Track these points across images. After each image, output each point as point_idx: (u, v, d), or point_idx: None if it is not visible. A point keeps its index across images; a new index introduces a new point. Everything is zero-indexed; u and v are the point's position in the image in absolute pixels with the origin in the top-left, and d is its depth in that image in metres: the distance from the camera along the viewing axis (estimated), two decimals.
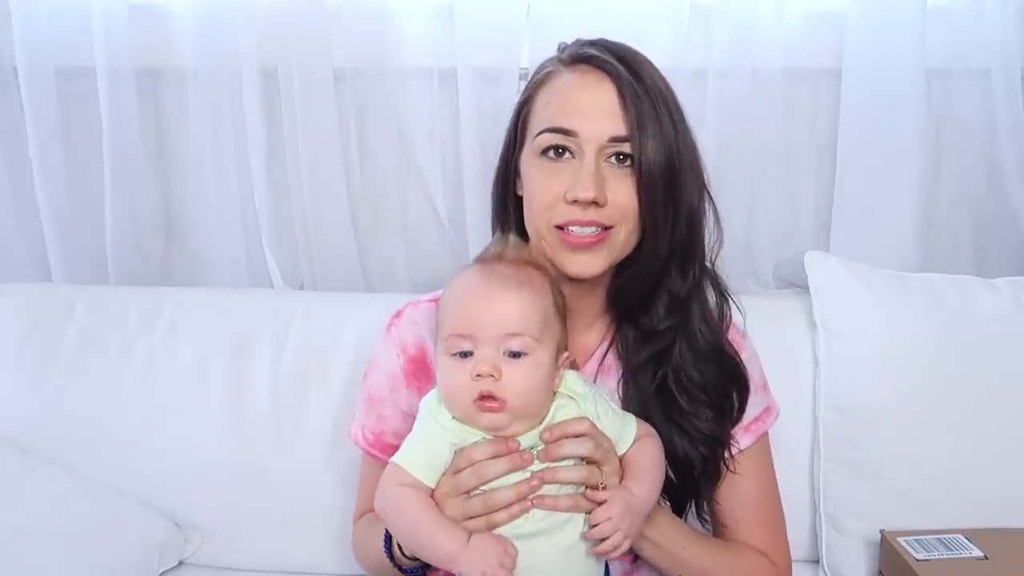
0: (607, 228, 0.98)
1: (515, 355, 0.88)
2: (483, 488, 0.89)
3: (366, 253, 1.61)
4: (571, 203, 0.97)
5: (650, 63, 1.02)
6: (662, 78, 1.01)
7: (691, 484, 1.05)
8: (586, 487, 0.91)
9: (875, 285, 1.33)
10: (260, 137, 1.53)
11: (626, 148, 0.97)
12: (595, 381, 1.05)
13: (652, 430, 0.99)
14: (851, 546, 1.29)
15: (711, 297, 1.07)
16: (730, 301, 1.09)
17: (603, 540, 0.89)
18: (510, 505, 0.89)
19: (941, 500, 1.27)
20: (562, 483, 0.90)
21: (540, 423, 0.91)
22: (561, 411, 0.92)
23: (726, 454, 1.06)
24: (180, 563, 1.34)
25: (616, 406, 0.99)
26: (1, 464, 1.28)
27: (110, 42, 1.48)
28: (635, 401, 1.04)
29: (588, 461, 0.92)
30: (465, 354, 0.89)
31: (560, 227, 0.98)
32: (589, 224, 0.98)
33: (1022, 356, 1.30)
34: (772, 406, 1.12)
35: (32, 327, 1.37)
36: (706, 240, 1.05)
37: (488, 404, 0.88)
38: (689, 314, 1.04)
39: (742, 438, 1.08)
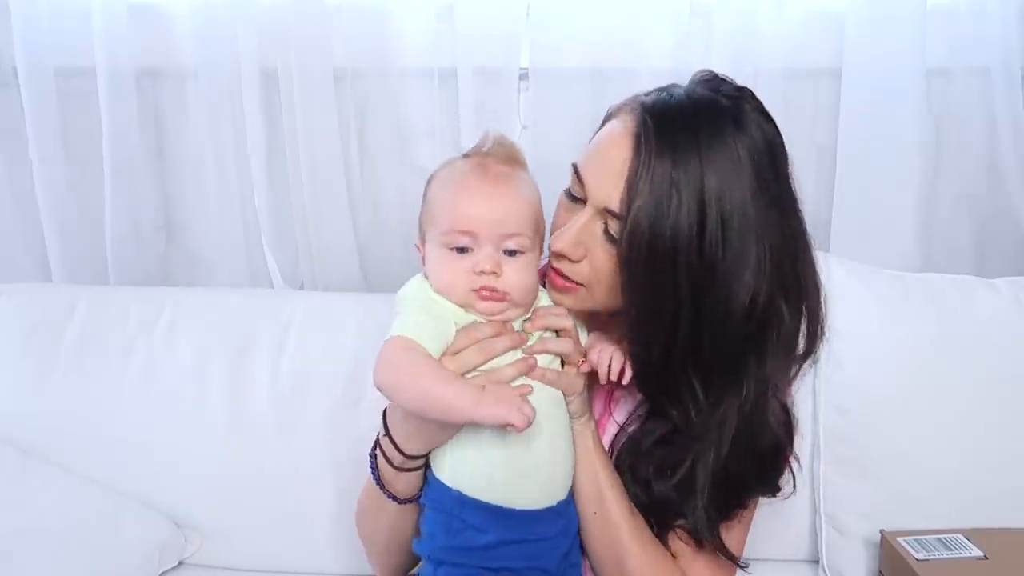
0: (577, 283, 0.97)
1: (512, 253, 0.92)
2: (480, 369, 0.92)
3: (366, 253, 1.61)
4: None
5: (734, 143, 0.92)
6: (736, 165, 0.91)
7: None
8: (564, 364, 0.96)
9: (875, 285, 1.33)
10: (260, 137, 1.52)
11: (615, 225, 0.92)
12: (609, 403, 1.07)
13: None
14: (851, 546, 1.29)
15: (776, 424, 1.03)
16: (793, 442, 1.05)
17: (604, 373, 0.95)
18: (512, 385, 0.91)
19: (941, 500, 1.27)
20: (551, 353, 0.95)
21: (528, 312, 0.97)
22: (544, 299, 0.99)
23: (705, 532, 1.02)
24: (180, 563, 1.33)
25: None
26: (1, 464, 1.28)
27: (110, 42, 1.47)
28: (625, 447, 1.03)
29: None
30: (463, 249, 0.92)
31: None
32: (557, 271, 0.97)
33: (1022, 356, 1.29)
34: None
35: (32, 327, 1.37)
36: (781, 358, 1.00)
37: (490, 295, 0.91)
38: (716, 433, 0.99)
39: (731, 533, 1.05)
